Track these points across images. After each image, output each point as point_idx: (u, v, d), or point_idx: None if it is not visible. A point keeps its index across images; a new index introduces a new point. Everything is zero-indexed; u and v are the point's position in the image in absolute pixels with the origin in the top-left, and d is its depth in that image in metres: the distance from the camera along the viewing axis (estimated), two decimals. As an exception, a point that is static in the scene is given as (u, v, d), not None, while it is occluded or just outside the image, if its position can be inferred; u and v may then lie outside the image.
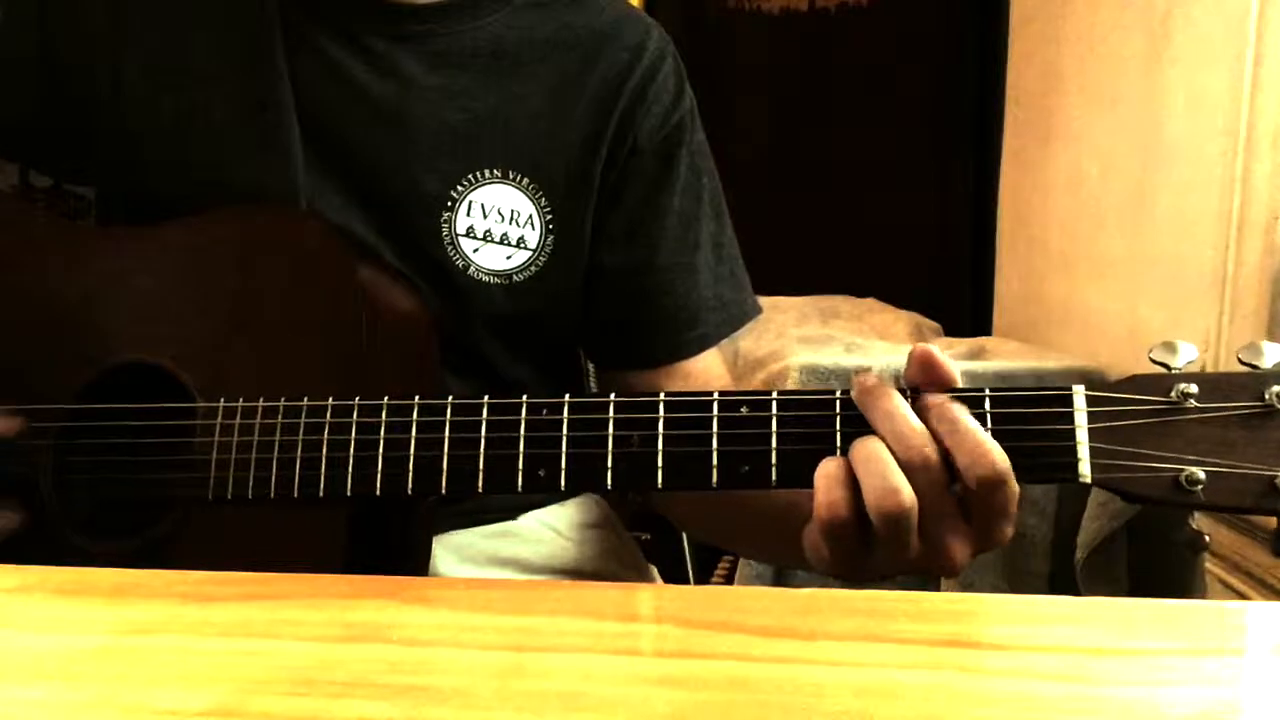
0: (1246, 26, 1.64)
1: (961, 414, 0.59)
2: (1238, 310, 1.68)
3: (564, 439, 0.64)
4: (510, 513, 0.90)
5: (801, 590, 0.55)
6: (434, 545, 0.82)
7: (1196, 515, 0.59)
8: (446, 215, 0.81)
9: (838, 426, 0.61)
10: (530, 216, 0.83)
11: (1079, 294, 2.28)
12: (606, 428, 0.64)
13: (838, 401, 0.62)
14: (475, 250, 0.82)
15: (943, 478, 0.59)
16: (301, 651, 0.48)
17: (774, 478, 0.62)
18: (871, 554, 0.61)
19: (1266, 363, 0.58)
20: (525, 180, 0.83)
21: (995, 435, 0.59)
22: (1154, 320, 1.95)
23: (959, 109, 2.84)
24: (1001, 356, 2.06)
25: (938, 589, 1.58)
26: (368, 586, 0.57)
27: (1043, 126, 2.48)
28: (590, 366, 1.02)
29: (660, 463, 0.63)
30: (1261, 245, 1.63)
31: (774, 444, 0.62)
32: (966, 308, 2.81)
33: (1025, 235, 2.60)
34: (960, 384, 0.61)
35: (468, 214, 0.82)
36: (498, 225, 0.82)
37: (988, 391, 0.60)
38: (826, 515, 0.59)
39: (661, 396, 0.64)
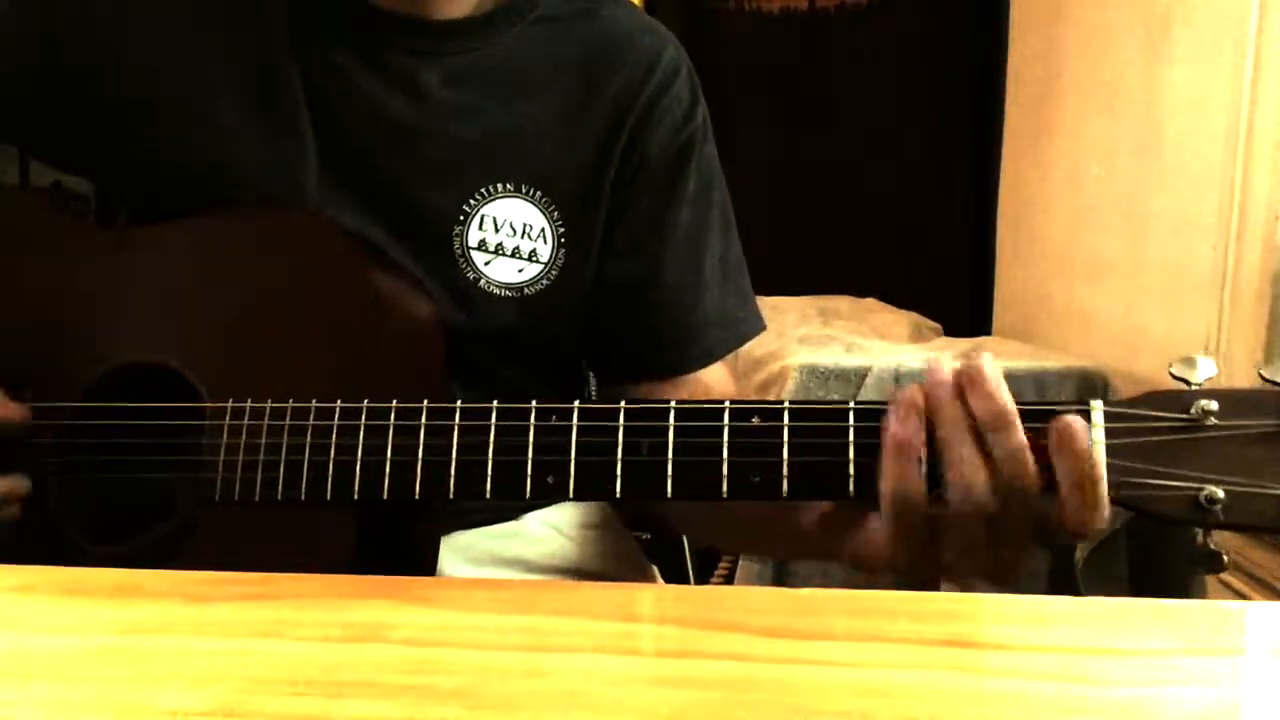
0: (1246, 26, 1.64)
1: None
2: (1237, 310, 1.68)
3: (573, 446, 0.63)
4: (512, 513, 0.89)
5: (801, 590, 0.55)
6: (436, 546, 0.82)
7: (1214, 534, 0.58)
8: (458, 229, 0.81)
9: (851, 439, 0.60)
10: (543, 230, 0.83)
11: (1078, 294, 2.28)
12: (616, 435, 0.63)
13: (851, 413, 0.60)
14: (487, 263, 0.81)
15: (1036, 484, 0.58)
16: (301, 651, 0.48)
17: (785, 489, 0.61)
18: (937, 541, 0.60)
19: None
20: (538, 194, 0.83)
21: None
22: (1153, 320, 1.95)
23: (959, 109, 2.84)
24: (1001, 357, 2.05)
25: (937, 589, 1.58)
26: (368, 586, 0.57)
27: (1043, 127, 2.48)
28: (592, 379, 1.01)
29: (670, 472, 0.62)
30: (1261, 245, 1.63)
31: (785, 455, 0.61)
32: (966, 308, 2.82)
33: (1025, 235, 2.60)
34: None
35: (479, 228, 0.81)
36: (510, 239, 0.82)
37: None
38: (896, 454, 0.58)
39: (672, 404, 0.63)
